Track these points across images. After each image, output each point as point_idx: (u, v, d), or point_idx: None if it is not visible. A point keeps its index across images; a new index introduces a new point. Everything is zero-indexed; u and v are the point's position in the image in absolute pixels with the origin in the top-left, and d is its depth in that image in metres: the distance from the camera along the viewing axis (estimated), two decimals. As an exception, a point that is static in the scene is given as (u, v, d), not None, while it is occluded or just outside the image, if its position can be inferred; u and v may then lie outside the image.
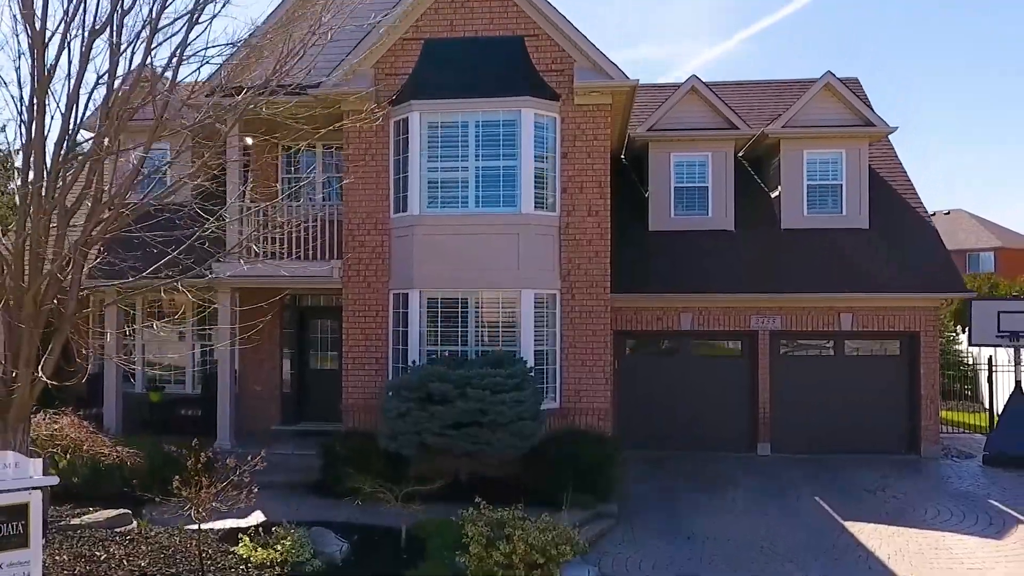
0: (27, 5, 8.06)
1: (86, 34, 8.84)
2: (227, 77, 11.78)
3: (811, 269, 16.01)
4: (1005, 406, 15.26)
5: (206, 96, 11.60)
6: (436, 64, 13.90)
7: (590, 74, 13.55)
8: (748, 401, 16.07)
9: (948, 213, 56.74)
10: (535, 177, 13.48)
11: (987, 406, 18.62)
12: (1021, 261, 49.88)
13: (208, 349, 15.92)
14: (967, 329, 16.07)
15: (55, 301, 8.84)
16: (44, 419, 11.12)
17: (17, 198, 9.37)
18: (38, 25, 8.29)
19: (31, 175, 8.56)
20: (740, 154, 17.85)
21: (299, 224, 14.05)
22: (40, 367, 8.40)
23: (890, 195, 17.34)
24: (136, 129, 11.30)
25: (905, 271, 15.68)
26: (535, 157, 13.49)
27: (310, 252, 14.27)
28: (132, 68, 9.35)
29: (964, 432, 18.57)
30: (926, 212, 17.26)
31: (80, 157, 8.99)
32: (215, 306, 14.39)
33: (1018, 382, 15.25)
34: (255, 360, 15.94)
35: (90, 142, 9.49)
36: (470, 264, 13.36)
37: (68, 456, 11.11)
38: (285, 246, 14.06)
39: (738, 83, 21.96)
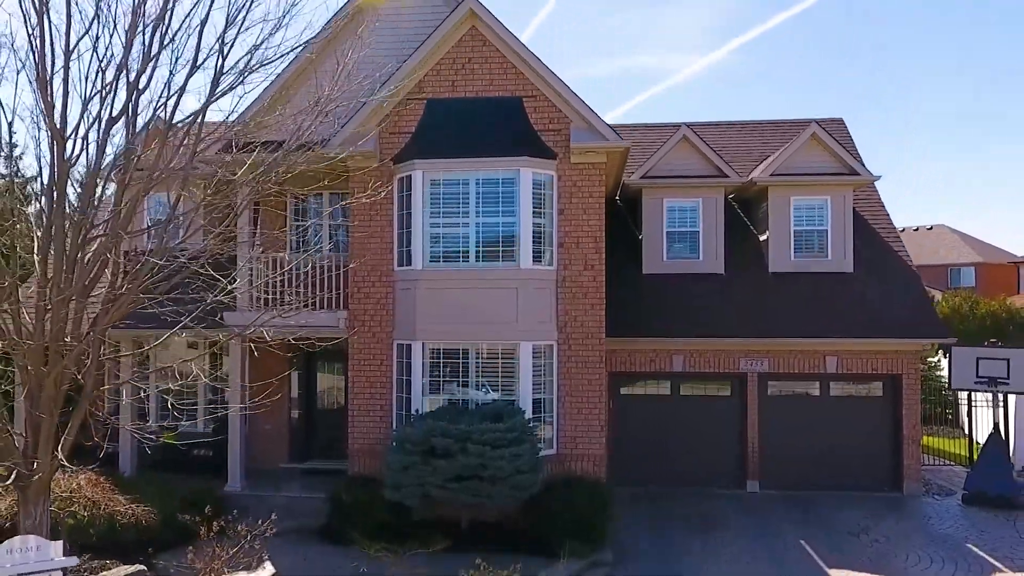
0: (48, 106, 8.15)
1: (102, 124, 8.94)
2: (239, 135, 11.93)
3: (798, 313, 16.14)
4: (983, 447, 15.39)
5: (219, 153, 11.82)
6: (438, 123, 14.03)
7: (585, 135, 13.68)
8: (737, 439, 16.18)
9: (931, 228, 56.99)
10: (533, 233, 13.63)
11: (967, 432, 18.78)
12: (1001, 276, 50.11)
13: (221, 391, 15.96)
14: (948, 371, 16.13)
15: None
16: (62, 476, 11.19)
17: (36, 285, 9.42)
18: (58, 121, 8.38)
19: (51, 262, 8.63)
20: (731, 196, 17.98)
21: (307, 271, 14.15)
22: (60, 447, 8.49)
23: (873, 239, 17.50)
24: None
25: (887, 316, 15.80)
26: (533, 213, 13.64)
27: (318, 302, 14.35)
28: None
29: (945, 463, 18.70)
30: (907, 255, 17.46)
31: (100, 241, 9.06)
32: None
33: (996, 424, 15.38)
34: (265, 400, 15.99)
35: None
36: (471, 317, 13.48)
37: (86, 512, 11.19)
38: (293, 295, 14.14)
39: (729, 123, 22.14)
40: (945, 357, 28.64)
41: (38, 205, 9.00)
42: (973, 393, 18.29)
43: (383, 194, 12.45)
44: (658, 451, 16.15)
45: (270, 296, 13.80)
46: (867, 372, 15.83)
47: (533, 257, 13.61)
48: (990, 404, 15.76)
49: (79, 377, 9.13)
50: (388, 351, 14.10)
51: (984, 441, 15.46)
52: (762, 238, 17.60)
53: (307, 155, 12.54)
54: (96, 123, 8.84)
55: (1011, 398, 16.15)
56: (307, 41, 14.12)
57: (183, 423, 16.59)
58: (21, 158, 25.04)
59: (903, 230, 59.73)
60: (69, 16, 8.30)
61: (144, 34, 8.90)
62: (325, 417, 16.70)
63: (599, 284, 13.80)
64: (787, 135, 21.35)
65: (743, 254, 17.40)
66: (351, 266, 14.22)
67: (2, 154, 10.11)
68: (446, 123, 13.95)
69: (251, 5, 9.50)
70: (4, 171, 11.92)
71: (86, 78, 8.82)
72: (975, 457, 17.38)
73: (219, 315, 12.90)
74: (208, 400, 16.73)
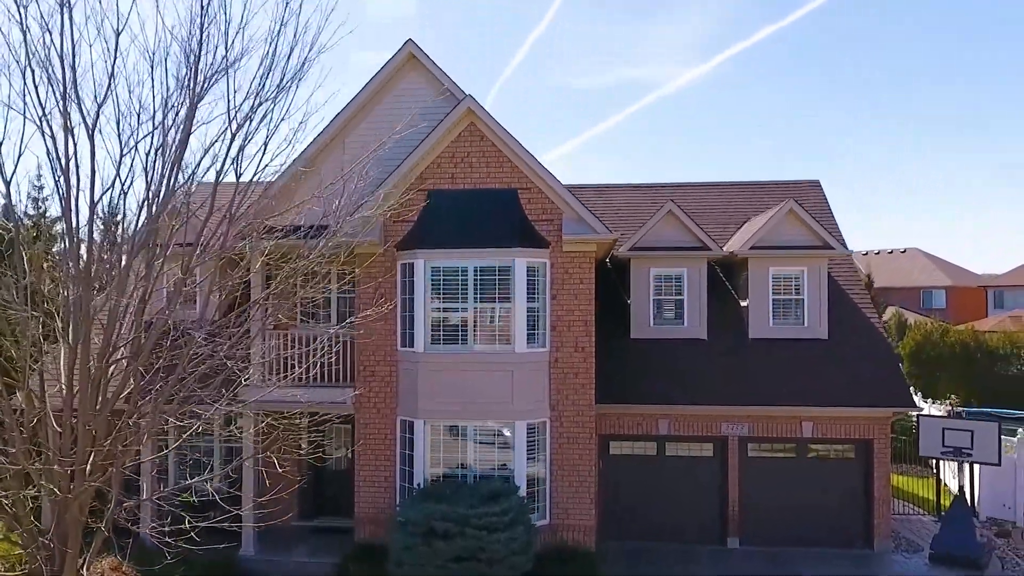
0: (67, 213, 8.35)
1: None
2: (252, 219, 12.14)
3: (776, 379, 16.35)
4: (949, 509, 15.64)
5: (235, 237, 12.01)
6: (439, 213, 14.22)
7: (576, 226, 13.89)
8: (719, 498, 16.40)
9: (904, 251, 57.26)
10: (528, 317, 13.83)
11: (935, 471, 18.91)
12: (970, 299, 50.44)
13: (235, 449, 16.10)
14: (916, 438, 16.28)
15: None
16: (83, 561, 11.35)
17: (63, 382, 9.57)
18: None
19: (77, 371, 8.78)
20: (715, 262, 18.19)
21: (315, 348, 14.32)
22: (85, 567, 8.66)
23: (848, 307, 17.73)
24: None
25: (860, 385, 16.04)
26: (528, 298, 13.86)
27: (326, 376, 14.53)
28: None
29: (915, 512, 18.88)
30: (880, 321, 17.67)
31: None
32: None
33: (961, 487, 15.60)
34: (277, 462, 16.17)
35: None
36: (470, 397, 13.71)
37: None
38: (304, 371, 14.32)
39: (713, 183, 22.40)
40: (917, 393, 28.86)
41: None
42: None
43: (387, 274, 12.63)
44: (645, 507, 16.37)
45: (283, 375, 13.96)
46: (841, 437, 16.08)
47: (527, 340, 13.82)
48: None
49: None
50: (392, 426, 14.31)
51: (951, 503, 15.68)
52: (743, 303, 17.81)
53: (315, 242, 12.86)
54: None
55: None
56: (315, 138, 14.37)
57: (199, 481, 16.83)
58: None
59: (878, 252, 60.06)
60: (93, 174, 8.47)
61: (165, 175, 9.07)
62: (333, 477, 16.86)
63: (589, 365, 14.02)
64: (768, 195, 21.65)
65: (725, 319, 17.62)
66: (357, 339, 14.39)
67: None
68: (446, 213, 14.16)
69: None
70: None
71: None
72: (944, 503, 17.66)
73: (234, 392, 13.08)
74: (223, 459, 16.91)
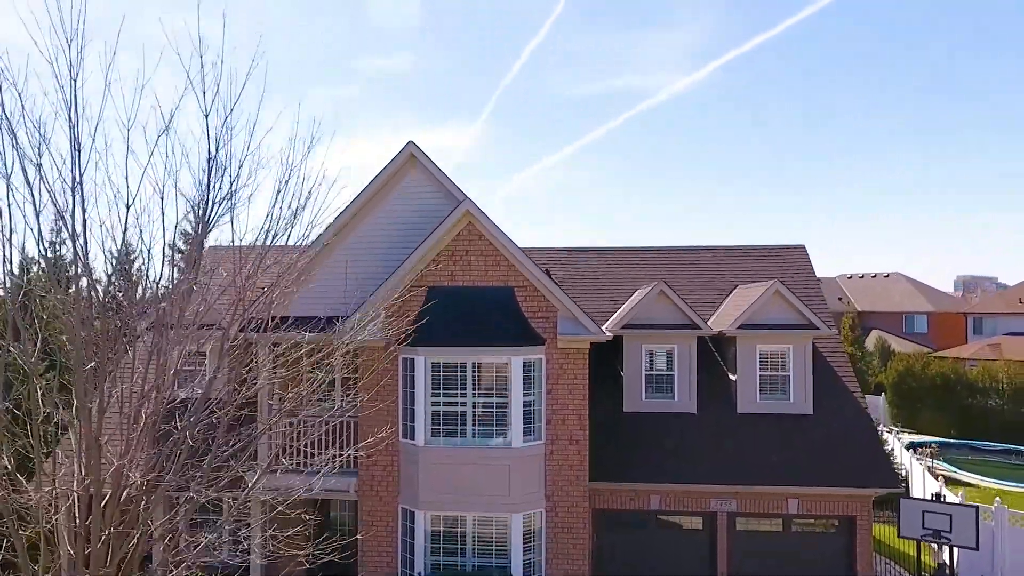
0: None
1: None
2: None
3: (763, 456, 16.33)
4: (930, 583, 15.57)
5: (242, 331, 12.00)
6: (439, 309, 14.18)
7: (570, 325, 13.85)
8: (709, 568, 16.34)
9: (887, 276, 57.16)
10: (524, 412, 13.77)
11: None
12: (951, 324, 50.35)
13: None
14: (897, 521, 16.10)
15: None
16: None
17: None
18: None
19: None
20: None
21: (322, 430, 14.29)
22: None
23: (833, 382, 17.70)
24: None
25: (843, 463, 16.02)
26: (524, 392, 13.80)
27: (331, 463, 14.48)
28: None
29: (895, 569, 18.80)
30: (862, 397, 17.58)
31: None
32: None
33: (940, 564, 15.52)
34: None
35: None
36: (469, 489, 13.68)
37: None
38: (307, 456, 14.29)
39: (702, 247, 22.32)
40: (898, 432, 28.80)
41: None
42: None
43: (389, 367, 12.63)
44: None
45: (293, 463, 13.93)
46: (825, 513, 16.06)
47: (524, 434, 13.78)
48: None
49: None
50: (394, 514, 14.28)
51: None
52: (732, 377, 17.77)
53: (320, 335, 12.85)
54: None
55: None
56: (319, 236, 14.31)
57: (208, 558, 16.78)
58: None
59: (862, 276, 59.97)
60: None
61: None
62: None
63: (583, 458, 14.00)
64: (755, 260, 21.62)
65: (714, 392, 17.59)
66: (360, 428, 14.35)
67: None
68: (446, 310, 14.11)
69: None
70: None
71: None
72: (923, 559, 17.53)
73: (241, 478, 13.04)
74: (231, 533, 16.85)
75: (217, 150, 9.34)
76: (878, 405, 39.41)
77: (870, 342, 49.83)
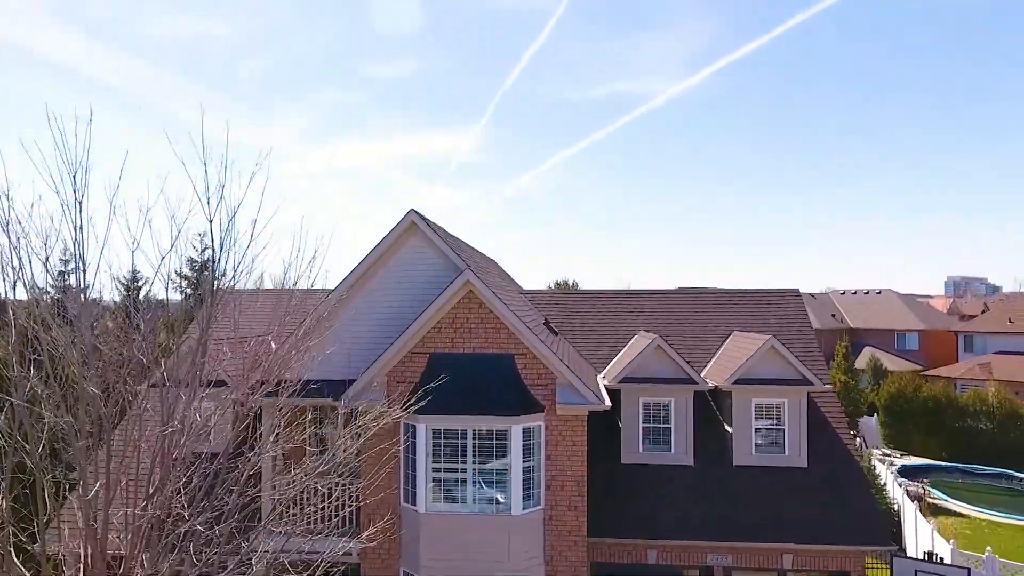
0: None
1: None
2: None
3: (758, 511, 16.28)
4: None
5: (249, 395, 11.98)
6: (439, 375, 14.09)
7: (569, 393, 13.80)
8: (705, 622, 16.28)
9: (879, 292, 57.11)
10: (523, 478, 13.70)
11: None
12: (942, 342, 50.32)
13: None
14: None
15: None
16: None
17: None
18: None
19: None
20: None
21: (325, 493, 14.23)
22: None
23: (827, 435, 17.64)
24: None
25: (837, 519, 15.93)
26: (523, 458, 13.74)
27: (334, 527, 14.43)
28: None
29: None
30: (856, 451, 17.51)
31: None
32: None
33: (933, 620, 15.50)
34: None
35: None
36: (468, 554, 13.62)
37: None
38: (310, 518, 14.23)
39: (698, 291, 22.30)
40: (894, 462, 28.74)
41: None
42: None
43: (390, 432, 12.60)
44: (634, 631, 16.28)
45: (298, 527, 13.86)
46: (819, 568, 15.98)
47: (523, 500, 13.72)
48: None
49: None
50: (396, 577, 14.19)
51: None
52: (728, 429, 17.71)
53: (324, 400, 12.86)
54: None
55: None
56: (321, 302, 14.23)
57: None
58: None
59: (855, 292, 59.93)
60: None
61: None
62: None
63: (581, 523, 13.95)
64: (750, 305, 21.57)
65: (711, 445, 17.53)
66: (362, 492, 14.29)
67: None
68: (447, 377, 14.03)
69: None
70: None
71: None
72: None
73: (245, 538, 12.99)
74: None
75: (220, 251, 9.34)
76: (871, 426, 39.43)
77: (863, 360, 49.81)
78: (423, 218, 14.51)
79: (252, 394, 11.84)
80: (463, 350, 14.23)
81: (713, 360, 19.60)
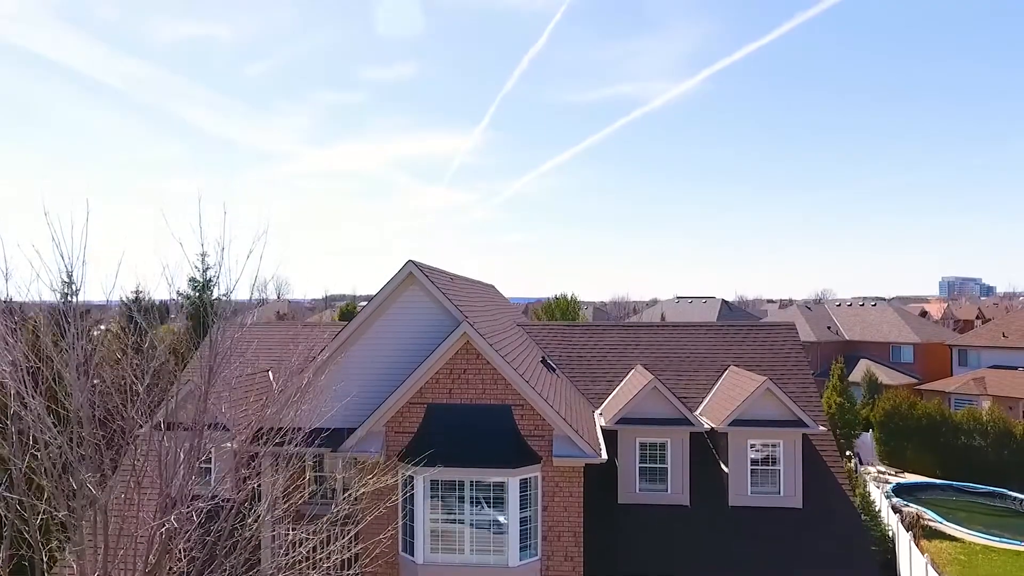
0: None
1: None
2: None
3: (754, 552, 16.22)
4: None
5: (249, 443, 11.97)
6: (438, 427, 14.11)
7: (566, 445, 13.77)
8: (701, 663, 16.23)
9: (875, 304, 57.08)
10: (520, 529, 13.66)
11: None
12: (937, 355, 50.29)
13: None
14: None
15: None
16: None
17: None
18: None
19: None
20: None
21: (323, 536, 14.18)
22: None
23: (823, 475, 17.61)
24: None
25: (830, 561, 15.90)
26: (520, 509, 13.71)
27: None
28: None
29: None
30: (851, 490, 17.48)
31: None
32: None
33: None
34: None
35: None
36: (466, 605, 13.53)
37: None
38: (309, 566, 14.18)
39: (695, 325, 22.25)
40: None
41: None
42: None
43: (389, 481, 12.58)
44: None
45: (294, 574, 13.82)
46: (814, 611, 15.93)
47: (520, 551, 13.69)
48: None
49: None
50: (394, 627, 14.15)
51: None
52: (724, 469, 17.68)
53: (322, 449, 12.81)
54: None
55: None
56: (320, 351, 14.20)
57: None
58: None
59: (850, 304, 59.89)
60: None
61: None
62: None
63: (577, 574, 13.86)
64: (746, 338, 21.54)
65: (707, 484, 17.49)
66: (363, 547, 14.25)
67: None
68: (445, 428, 14.04)
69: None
70: None
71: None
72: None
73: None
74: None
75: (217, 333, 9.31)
76: (867, 442, 39.40)
77: (858, 373, 49.79)
78: (421, 269, 14.49)
79: (252, 442, 11.90)
80: (461, 400, 14.19)
81: (709, 396, 19.57)
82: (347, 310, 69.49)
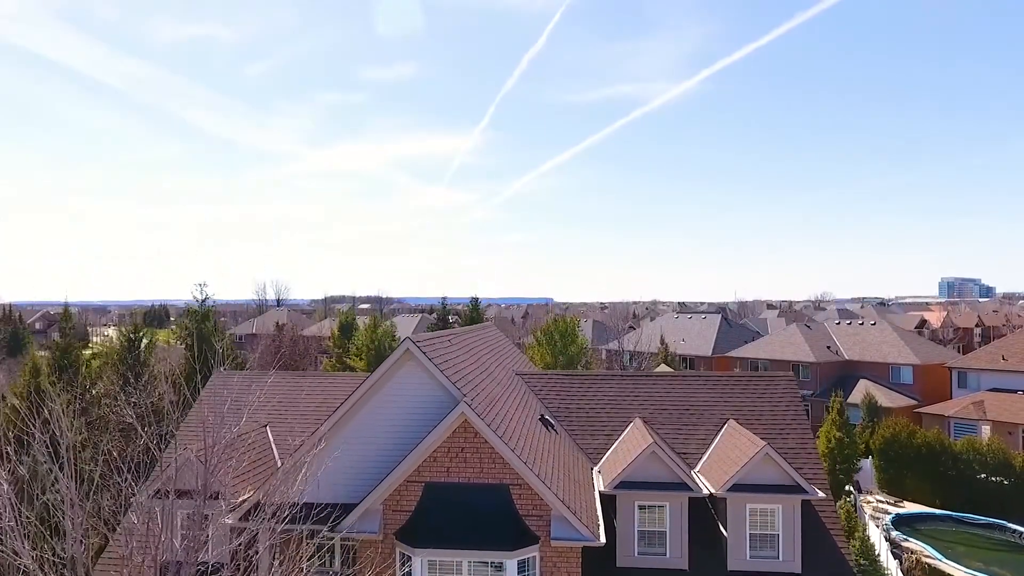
0: None
1: None
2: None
3: (753, 621, 16.01)
4: None
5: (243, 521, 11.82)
6: (435, 507, 13.93)
7: (564, 527, 13.60)
8: None
9: (874, 324, 56.77)
10: (518, 610, 13.47)
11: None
12: (936, 376, 49.98)
13: None
14: None
15: None
16: None
17: None
18: None
19: None
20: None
21: None
22: None
23: (822, 539, 17.38)
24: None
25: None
26: (518, 590, 13.48)
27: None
28: None
29: None
30: (849, 552, 17.26)
31: None
32: None
33: None
34: None
35: None
36: None
37: None
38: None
39: (695, 375, 22.06)
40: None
41: None
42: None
43: (387, 559, 12.40)
44: None
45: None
46: None
47: (518, 633, 13.49)
48: None
49: None
50: None
51: None
52: (723, 532, 17.47)
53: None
54: None
55: None
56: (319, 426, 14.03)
57: None
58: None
59: (849, 323, 59.60)
60: None
61: None
62: None
63: (577, 655, 13.68)
64: (745, 388, 21.33)
65: (706, 547, 17.29)
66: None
67: None
68: (442, 508, 13.86)
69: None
70: None
71: None
72: None
73: None
74: None
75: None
76: (867, 469, 39.12)
77: (857, 394, 49.50)
78: (419, 347, 14.31)
79: (248, 518, 11.75)
80: (459, 479, 14.02)
81: (708, 453, 19.37)
82: (346, 321, 69.28)
